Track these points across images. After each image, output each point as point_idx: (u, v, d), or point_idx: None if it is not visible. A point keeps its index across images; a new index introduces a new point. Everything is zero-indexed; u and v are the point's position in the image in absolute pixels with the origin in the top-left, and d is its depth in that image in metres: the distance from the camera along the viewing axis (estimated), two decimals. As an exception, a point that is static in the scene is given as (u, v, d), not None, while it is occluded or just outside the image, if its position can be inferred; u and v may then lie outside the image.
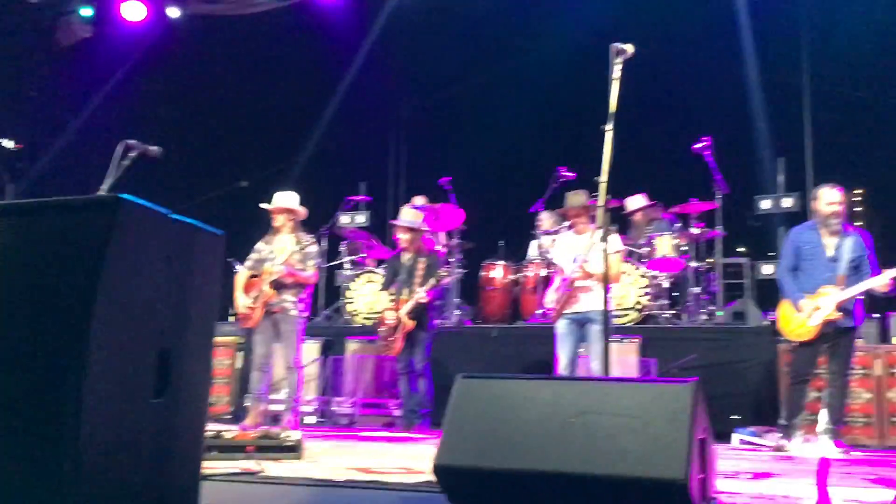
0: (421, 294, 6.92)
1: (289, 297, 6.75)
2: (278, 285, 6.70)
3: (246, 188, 8.36)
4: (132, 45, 11.36)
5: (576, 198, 6.44)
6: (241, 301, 6.77)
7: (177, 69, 11.59)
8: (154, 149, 5.20)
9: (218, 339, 8.85)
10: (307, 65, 12.15)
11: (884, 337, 7.16)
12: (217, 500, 3.01)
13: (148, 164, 5.22)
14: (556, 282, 6.48)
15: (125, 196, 2.04)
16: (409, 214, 7.52)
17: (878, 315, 7.34)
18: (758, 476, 4.07)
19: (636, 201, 9.00)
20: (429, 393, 7.09)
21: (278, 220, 6.91)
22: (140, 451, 2.19)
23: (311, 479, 3.48)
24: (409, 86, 12.82)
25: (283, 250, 6.77)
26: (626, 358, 7.24)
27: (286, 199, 6.95)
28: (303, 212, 7.01)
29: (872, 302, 6.96)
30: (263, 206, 7.02)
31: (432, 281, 6.93)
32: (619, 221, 8.72)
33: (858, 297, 5.85)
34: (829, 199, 5.93)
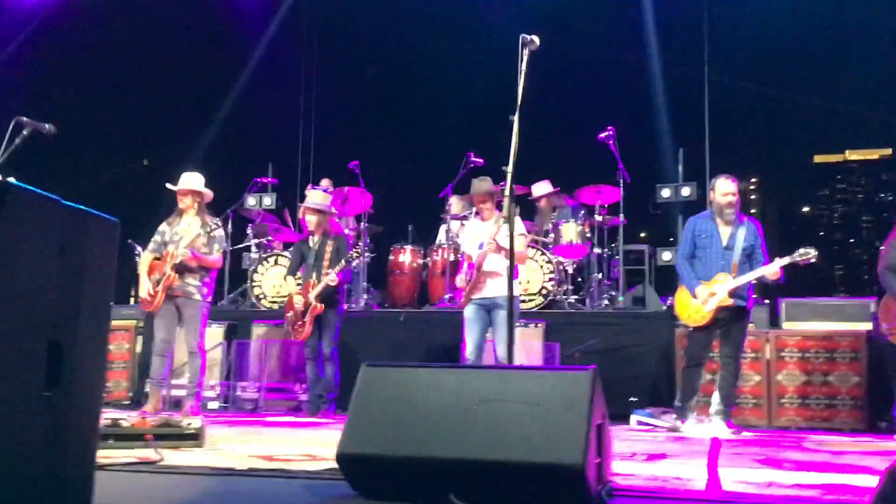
0: (332, 276, 6.87)
1: (192, 282, 6.60)
2: (181, 269, 6.54)
3: (148, 167, 8.11)
4: (26, 15, 10.82)
5: (481, 184, 6.51)
6: (145, 285, 6.57)
7: (74, 43, 11.12)
8: (48, 126, 4.98)
9: (117, 322, 8.59)
10: (215, 42, 11.88)
11: (773, 322, 7.51)
12: (113, 491, 2.93)
13: (42, 142, 5.00)
14: (465, 268, 6.54)
15: (13, 182, 1.96)
16: (318, 197, 7.45)
17: (768, 301, 7.70)
18: (652, 457, 4.22)
19: (541, 188, 9.16)
20: (336, 377, 7.07)
21: (184, 202, 6.72)
22: (30, 445, 2.11)
23: (212, 468, 3.42)
24: (320, 68, 12.68)
25: (188, 233, 6.61)
26: (531, 342, 7.38)
27: (193, 181, 6.76)
28: (209, 194, 6.85)
29: (763, 289, 7.29)
30: (169, 186, 6.82)
31: (343, 263, 6.89)
32: (525, 208, 8.86)
33: (750, 284, 6.12)
34: (724, 189, 6.16)
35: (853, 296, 7.76)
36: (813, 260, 5.92)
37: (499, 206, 6.41)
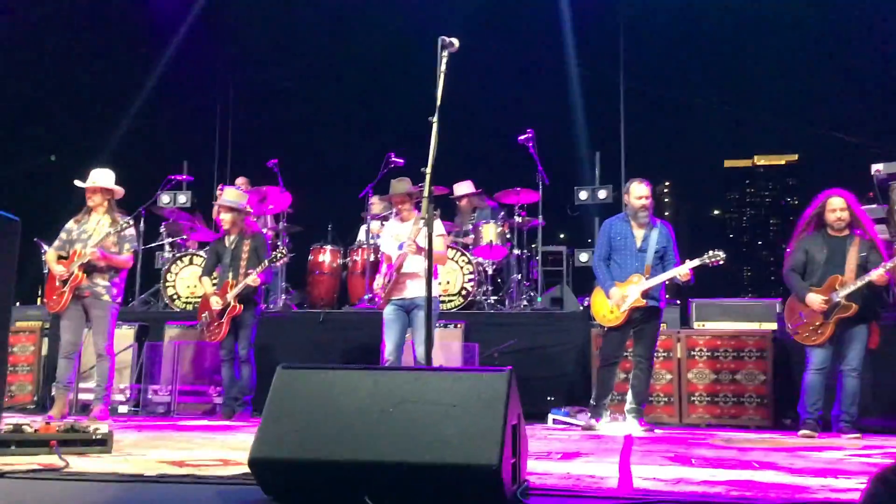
0: (253, 277, 6.76)
1: (101, 282, 6.39)
2: (90, 268, 6.33)
3: (56, 163, 7.82)
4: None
5: (400, 185, 6.51)
6: (59, 269, 6.33)
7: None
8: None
9: (22, 323, 8.29)
10: (128, 36, 11.53)
11: (684, 322, 7.73)
12: (14, 499, 2.81)
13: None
14: (384, 269, 6.52)
15: None
16: (232, 195, 7.30)
17: (679, 302, 7.92)
18: (567, 456, 4.28)
19: (463, 188, 9.21)
20: (252, 380, 6.95)
21: (93, 200, 6.52)
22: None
23: (120, 475, 3.31)
24: (238, 64, 12.44)
25: (97, 231, 6.40)
26: (450, 343, 7.41)
27: (102, 177, 6.55)
28: (120, 191, 6.66)
29: (675, 290, 7.50)
30: (78, 184, 6.59)
31: (265, 263, 6.79)
32: (445, 208, 8.90)
33: (663, 285, 6.28)
34: (638, 193, 6.31)
35: (760, 296, 8.07)
36: (722, 262, 6.12)
37: (418, 207, 6.42)
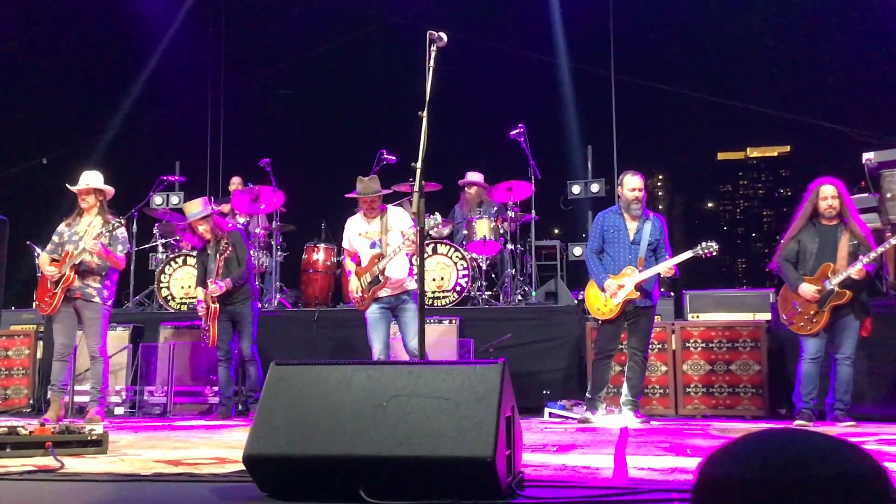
0: (213, 287, 6.86)
1: (92, 283, 6.38)
2: (81, 270, 6.32)
3: (47, 166, 7.81)
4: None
5: (371, 184, 6.36)
6: (50, 270, 6.32)
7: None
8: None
9: (16, 327, 8.29)
10: (118, 35, 11.49)
11: (679, 313, 7.74)
12: (8, 500, 2.80)
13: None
14: (349, 265, 6.44)
15: None
16: (193, 207, 7.27)
17: (673, 294, 7.93)
18: (563, 448, 4.29)
19: (476, 175, 9.18)
20: (260, 376, 6.93)
21: (87, 202, 6.51)
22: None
23: (115, 474, 3.31)
24: (228, 63, 12.42)
25: (90, 232, 6.40)
26: (445, 339, 7.41)
27: (94, 179, 6.56)
28: (111, 191, 6.66)
29: (671, 282, 7.51)
30: (70, 187, 6.59)
31: (234, 272, 6.91)
32: (429, 203, 8.85)
33: (656, 277, 6.29)
34: (631, 185, 6.32)
35: (755, 287, 8.09)
36: (715, 252, 6.13)
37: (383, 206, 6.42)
